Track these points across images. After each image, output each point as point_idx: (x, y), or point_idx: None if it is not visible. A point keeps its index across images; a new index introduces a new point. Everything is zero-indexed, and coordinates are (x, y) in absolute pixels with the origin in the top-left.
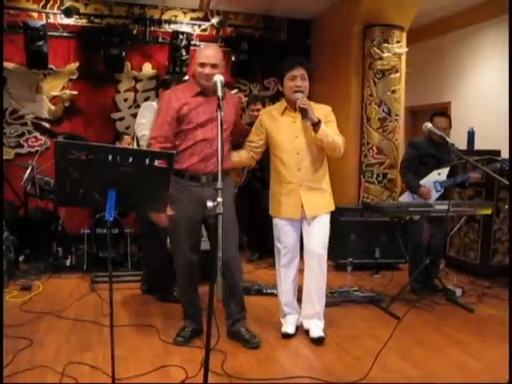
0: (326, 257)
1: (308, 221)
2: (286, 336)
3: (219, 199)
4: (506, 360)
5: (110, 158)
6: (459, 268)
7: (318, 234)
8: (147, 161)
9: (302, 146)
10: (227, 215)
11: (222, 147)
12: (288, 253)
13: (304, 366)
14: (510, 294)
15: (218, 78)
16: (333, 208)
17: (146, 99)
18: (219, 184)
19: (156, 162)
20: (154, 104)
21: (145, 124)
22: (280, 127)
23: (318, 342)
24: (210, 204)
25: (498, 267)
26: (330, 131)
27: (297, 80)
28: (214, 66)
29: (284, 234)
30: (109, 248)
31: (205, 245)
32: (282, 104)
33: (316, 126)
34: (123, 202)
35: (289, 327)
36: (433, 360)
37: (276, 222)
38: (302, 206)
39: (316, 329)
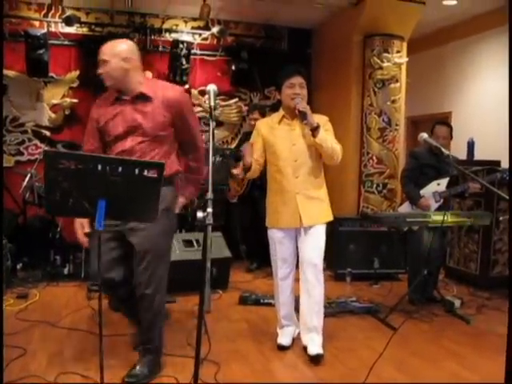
0: (322, 268)
1: (304, 230)
2: (282, 348)
3: (209, 210)
4: (502, 373)
5: (100, 167)
6: (459, 279)
7: (314, 245)
8: (137, 171)
9: (299, 154)
10: (150, 246)
11: (213, 157)
12: (285, 265)
13: (299, 378)
14: (510, 305)
15: (212, 88)
16: (330, 218)
17: None
18: (209, 194)
19: (145, 172)
20: None
21: None
22: (277, 135)
23: (316, 360)
24: (200, 215)
25: (498, 278)
26: (329, 138)
27: (295, 88)
28: (103, 61)
29: (281, 246)
30: (99, 257)
31: (194, 255)
32: (279, 113)
33: (315, 130)
34: (113, 212)
35: (285, 339)
36: (428, 372)
37: (272, 234)
38: (300, 215)
39: (314, 346)
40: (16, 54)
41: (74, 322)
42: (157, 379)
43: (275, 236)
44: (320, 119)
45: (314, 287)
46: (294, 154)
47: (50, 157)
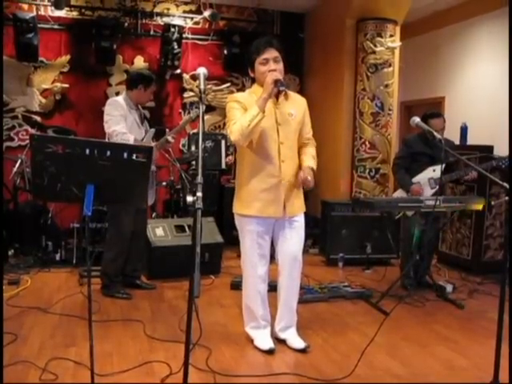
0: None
1: (288, 221)
2: (271, 352)
3: (199, 194)
4: (492, 357)
5: (88, 151)
6: (451, 264)
7: (299, 239)
8: (125, 155)
9: (285, 136)
10: None
11: (205, 142)
12: (265, 262)
13: (290, 363)
14: (502, 290)
15: (202, 71)
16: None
17: None
18: (199, 179)
19: (134, 156)
20: (118, 99)
21: (112, 120)
22: None
23: (304, 351)
24: (189, 199)
25: (490, 263)
26: (312, 157)
27: (269, 63)
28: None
29: (261, 241)
30: (87, 243)
31: (185, 240)
32: (256, 90)
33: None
34: (102, 197)
35: (270, 340)
36: (419, 357)
37: (248, 225)
38: (284, 205)
39: (297, 339)
40: (5, 38)
41: (66, 307)
42: (148, 364)
43: (254, 228)
44: (302, 104)
45: (298, 284)
46: (281, 135)
47: (36, 140)
